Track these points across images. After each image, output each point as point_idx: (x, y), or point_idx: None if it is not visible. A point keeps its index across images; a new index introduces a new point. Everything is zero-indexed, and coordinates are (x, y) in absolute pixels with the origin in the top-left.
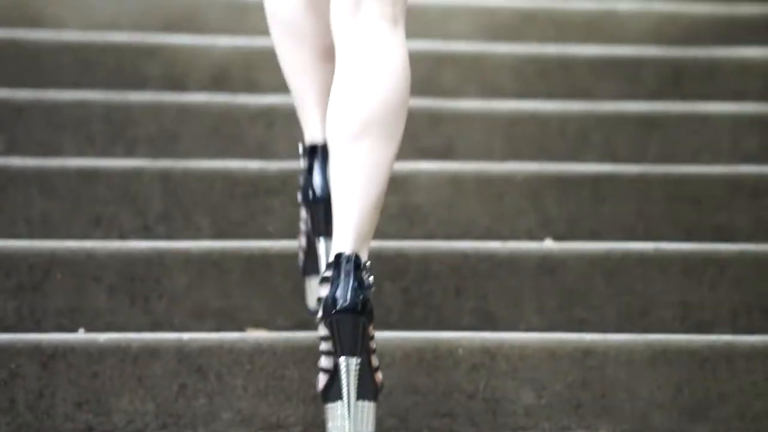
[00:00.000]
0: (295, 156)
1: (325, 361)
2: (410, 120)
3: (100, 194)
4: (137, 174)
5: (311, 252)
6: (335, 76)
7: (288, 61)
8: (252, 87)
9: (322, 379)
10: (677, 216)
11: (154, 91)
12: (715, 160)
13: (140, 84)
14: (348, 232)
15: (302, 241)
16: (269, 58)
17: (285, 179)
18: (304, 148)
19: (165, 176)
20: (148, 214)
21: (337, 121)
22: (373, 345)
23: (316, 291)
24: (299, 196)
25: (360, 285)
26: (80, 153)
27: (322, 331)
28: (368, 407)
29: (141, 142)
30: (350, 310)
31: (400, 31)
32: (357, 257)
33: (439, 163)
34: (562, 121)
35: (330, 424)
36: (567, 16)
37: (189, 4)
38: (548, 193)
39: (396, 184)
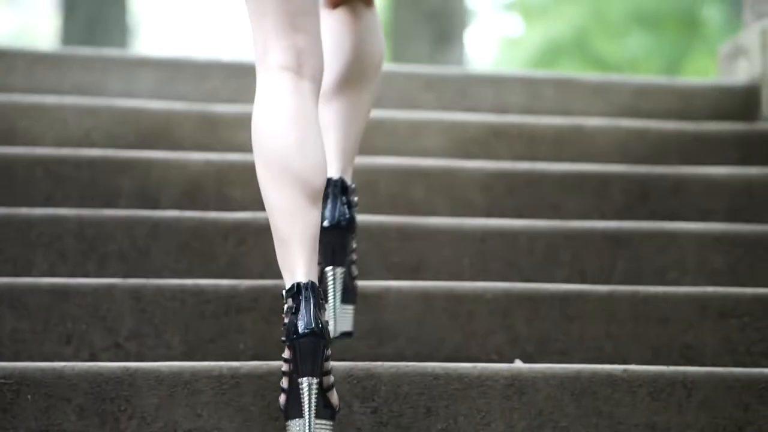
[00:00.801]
0: (266, 272)
1: (286, 382)
2: (380, 236)
3: (72, 312)
4: (109, 292)
5: (293, 393)
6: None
7: (273, 204)
8: (224, 201)
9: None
10: (645, 336)
11: (127, 206)
12: (681, 278)
13: (113, 199)
14: (336, 159)
15: (284, 382)
16: (241, 172)
17: (256, 297)
18: (288, 291)
19: (136, 294)
20: (120, 331)
21: (327, 78)
22: (355, 257)
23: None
24: (284, 338)
25: (347, 204)
26: (52, 269)
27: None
28: (348, 310)
29: (113, 258)
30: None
31: (373, 9)
32: (343, 181)
33: (409, 281)
34: (531, 238)
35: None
36: (536, 131)
37: (162, 118)
38: (518, 311)
39: (366, 302)
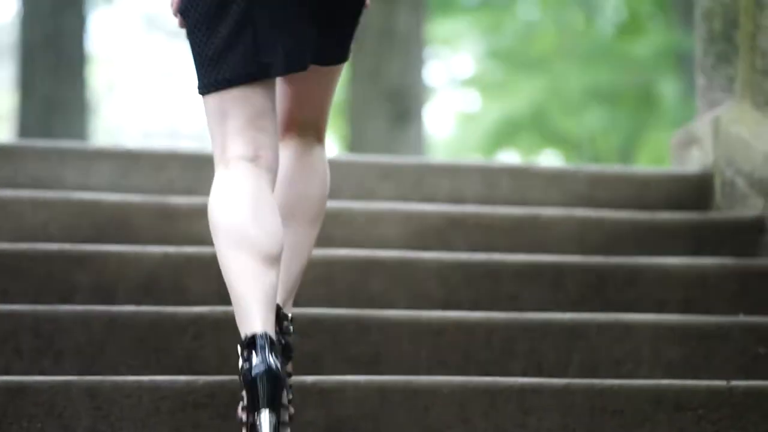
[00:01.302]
0: (223, 367)
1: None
2: (337, 329)
3: (27, 410)
4: (65, 389)
5: (251, 427)
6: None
7: (231, 266)
8: (182, 294)
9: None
10: (601, 428)
11: (84, 300)
12: (637, 369)
13: (70, 293)
14: (278, 289)
15: (242, 416)
16: (199, 265)
17: (213, 392)
18: (242, 343)
19: (93, 391)
20: (76, 429)
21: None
22: (285, 416)
23: None
24: (240, 381)
25: (281, 330)
26: (8, 366)
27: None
28: None
29: (69, 354)
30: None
31: (323, 146)
32: (280, 309)
33: (366, 375)
34: (488, 330)
35: None
36: (493, 221)
37: (119, 210)
38: (475, 405)
39: (323, 396)
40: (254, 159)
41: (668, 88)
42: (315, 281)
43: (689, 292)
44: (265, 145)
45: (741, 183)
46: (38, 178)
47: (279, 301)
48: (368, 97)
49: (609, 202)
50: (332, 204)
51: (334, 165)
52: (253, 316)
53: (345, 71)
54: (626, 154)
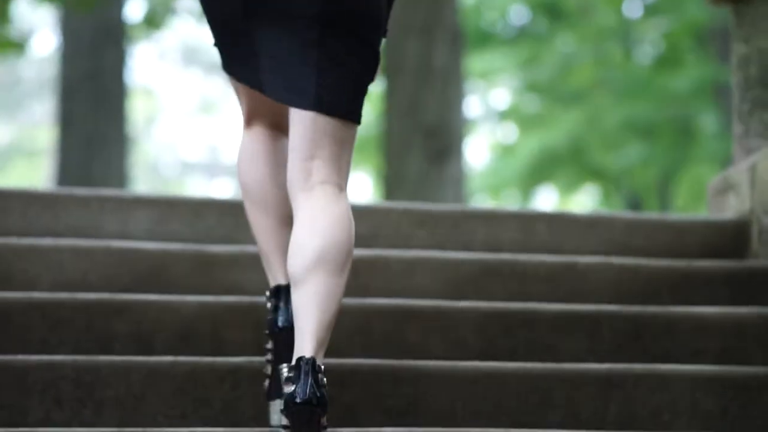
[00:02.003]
0: (260, 417)
1: (269, 369)
2: (374, 379)
3: None
4: None
5: (274, 377)
6: (294, 228)
7: (256, 225)
8: (219, 344)
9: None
10: None
11: (122, 350)
12: (674, 420)
13: (109, 342)
14: (308, 341)
15: (267, 369)
16: (236, 315)
17: None
18: (270, 291)
19: None
20: None
21: (296, 259)
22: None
23: (277, 411)
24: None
25: (316, 383)
26: (48, 417)
27: (284, 421)
28: None
29: (109, 405)
30: (308, 403)
31: (345, 195)
32: (314, 360)
33: (402, 427)
34: (525, 380)
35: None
36: (529, 269)
37: (157, 259)
38: None
39: None
40: (272, 130)
41: (707, 122)
42: (351, 331)
43: (726, 341)
44: (282, 123)
45: None
46: (78, 226)
47: (312, 351)
48: (406, 133)
49: (645, 248)
50: (368, 252)
51: (369, 212)
52: (276, 269)
53: (381, 106)
54: (664, 188)
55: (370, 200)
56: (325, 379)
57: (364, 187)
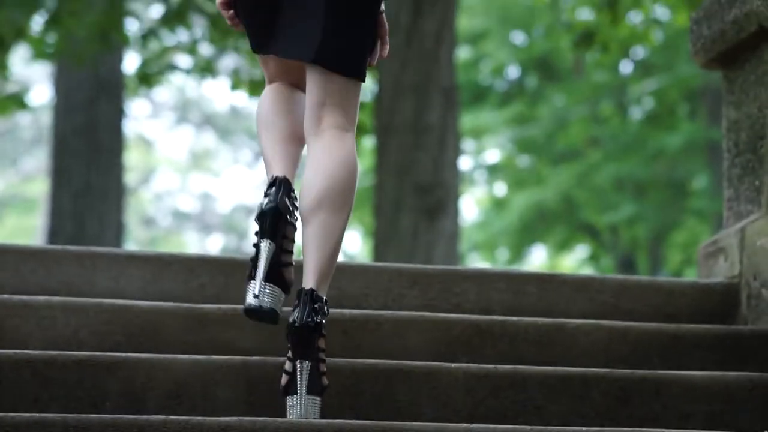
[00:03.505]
0: None
1: (287, 365)
2: None
3: None
4: None
5: (254, 258)
6: (305, 171)
7: (263, 141)
8: (211, 402)
9: (284, 379)
10: None
11: (114, 407)
12: None
13: (100, 400)
14: (310, 274)
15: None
16: (228, 373)
17: None
18: (268, 183)
19: None
20: None
21: (304, 200)
22: (322, 356)
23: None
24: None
25: (314, 310)
26: None
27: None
28: (316, 400)
29: None
30: (305, 326)
31: (351, 136)
32: (312, 291)
33: None
34: None
35: (288, 412)
36: (519, 330)
37: (150, 316)
38: None
39: None
40: (290, 85)
41: (699, 180)
42: (341, 391)
43: (714, 405)
44: (299, 83)
45: (767, 295)
46: (71, 283)
47: (313, 284)
48: (398, 190)
49: (635, 311)
50: (359, 312)
51: (361, 272)
52: (275, 166)
53: (372, 161)
54: (656, 246)
55: (362, 260)
56: (326, 308)
57: (353, 242)
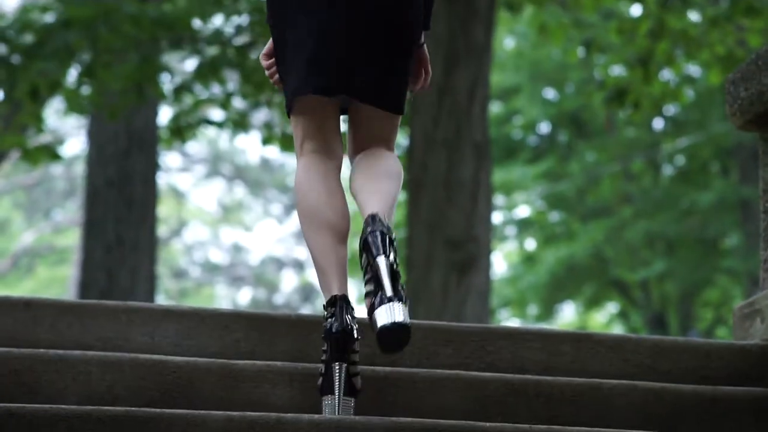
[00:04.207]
0: None
1: (323, 368)
2: None
3: None
4: None
5: (327, 375)
6: (356, 169)
7: (313, 244)
8: None
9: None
10: None
11: None
12: None
13: None
14: (376, 203)
15: (321, 368)
16: (261, 430)
17: None
18: (327, 302)
19: None
20: None
21: (360, 179)
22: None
23: (330, 406)
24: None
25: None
26: None
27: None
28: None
29: None
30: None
31: (394, 153)
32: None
33: None
34: None
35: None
36: (554, 390)
37: (184, 372)
38: None
39: None
40: (324, 152)
41: (730, 238)
42: None
43: None
44: (332, 142)
45: None
46: (106, 337)
47: (380, 212)
48: (430, 245)
49: (671, 372)
50: (392, 369)
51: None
52: (332, 283)
53: (405, 218)
54: (688, 304)
55: None
56: (394, 234)
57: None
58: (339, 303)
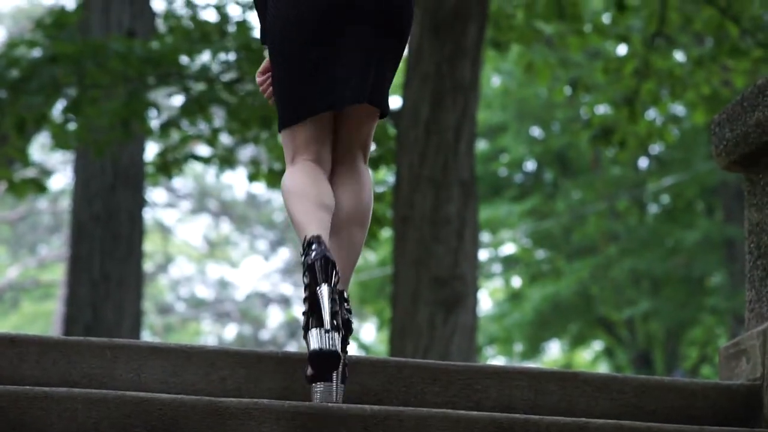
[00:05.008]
0: None
1: (306, 303)
2: None
3: None
4: None
5: (313, 303)
6: (335, 192)
7: (296, 207)
8: None
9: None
10: None
11: None
12: None
13: None
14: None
15: (305, 305)
16: None
17: None
18: (303, 246)
19: None
20: None
21: (336, 218)
22: (346, 350)
23: (315, 337)
24: (303, 268)
25: (347, 311)
26: None
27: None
28: (342, 388)
29: None
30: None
31: (367, 166)
32: (342, 293)
33: None
34: None
35: (315, 397)
36: (541, 429)
37: (170, 409)
38: None
39: None
40: (316, 161)
41: (715, 276)
42: None
43: None
44: (323, 153)
45: None
46: (91, 374)
47: (342, 287)
48: (415, 282)
49: (657, 412)
50: (380, 408)
51: (382, 366)
52: (309, 226)
53: (391, 255)
54: (673, 342)
55: (378, 350)
56: (350, 307)
57: (369, 332)
58: (318, 239)
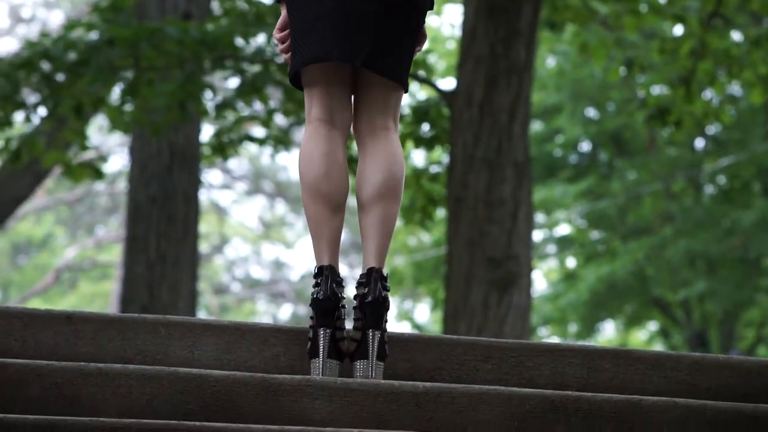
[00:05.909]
0: None
1: (355, 334)
2: None
3: None
4: None
5: (314, 340)
6: (362, 165)
7: (310, 214)
8: None
9: (352, 346)
10: None
11: None
12: None
13: None
14: (374, 256)
15: (310, 333)
16: None
17: None
18: (316, 270)
19: None
20: None
21: (364, 191)
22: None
23: (317, 368)
24: (310, 303)
25: (383, 287)
26: None
27: (355, 315)
28: (381, 365)
29: None
30: (376, 301)
31: (397, 136)
32: (380, 270)
33: None
34: None
35: (356, 374)
36: (593, 407)
37: (223, 385)
38: None
39: None
40: (330, 120)
41: None
42: None
43: None
44: (338, 108)
45: None
46: (145, 351)
47: (378, 264)
48: (470, 263)
49: (711, 389)
50: (432, 385)
51: (435, 344)
52: (323, 252)
53: (445, 235)
54: (730, 323)
55: (432, 331)
56: (387, 284)
57: (423, 313)
58: (326, 272)
